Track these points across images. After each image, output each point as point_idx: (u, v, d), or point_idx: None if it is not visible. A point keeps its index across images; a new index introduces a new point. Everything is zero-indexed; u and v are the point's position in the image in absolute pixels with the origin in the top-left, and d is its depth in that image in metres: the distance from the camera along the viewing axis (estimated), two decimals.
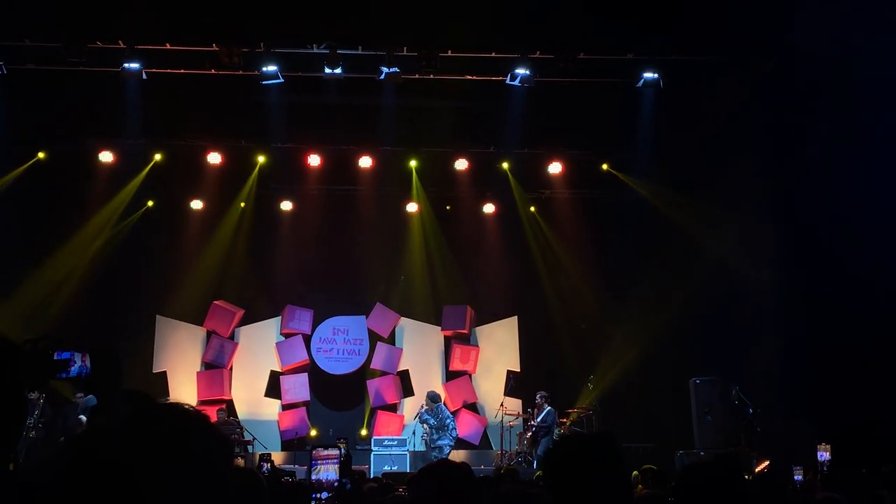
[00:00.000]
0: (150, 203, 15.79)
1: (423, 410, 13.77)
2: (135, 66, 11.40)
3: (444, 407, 14.10)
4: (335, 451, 4.64)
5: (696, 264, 13.91)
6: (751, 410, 12.10)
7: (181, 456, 1.39)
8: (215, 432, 1.47)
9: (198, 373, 15.67)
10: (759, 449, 11.81)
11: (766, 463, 11.36)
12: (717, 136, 13.67)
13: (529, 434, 13.70)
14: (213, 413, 13.89)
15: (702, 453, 12.32)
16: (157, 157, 14.91)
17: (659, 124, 13.47)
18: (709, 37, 11.62)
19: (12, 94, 12.18)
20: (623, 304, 15.27)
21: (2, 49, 11.20)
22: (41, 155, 14.43)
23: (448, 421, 13.81)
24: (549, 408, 13.67)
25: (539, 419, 13.60)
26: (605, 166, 15.45)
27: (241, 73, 11.68)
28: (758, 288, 12.61)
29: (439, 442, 13.56)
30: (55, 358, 2.37)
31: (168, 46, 11.48)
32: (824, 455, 7.87)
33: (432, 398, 13.84)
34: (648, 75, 12.10)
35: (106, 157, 14.54)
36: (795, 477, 7.66)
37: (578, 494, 2.32)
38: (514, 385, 15.61)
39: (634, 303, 15.10)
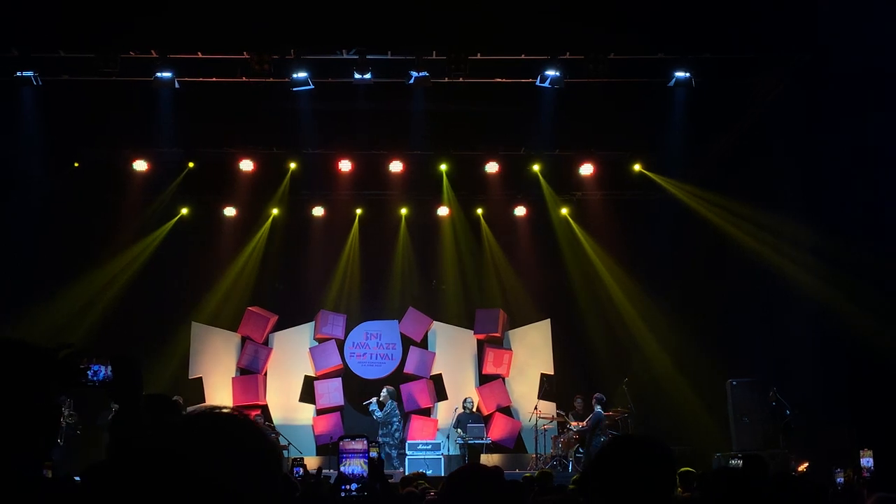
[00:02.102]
0: (185, 211, 15.96)
1: (374, 401, 14.06)
2: (167, 75, 11.51)
3: (395, 406, 14.30)
4: (362, 443, 4.60)
5: (732, 264, 13.73)
6: (788, 412, 11.93)
7: (244, 461, 1.42)
8: (268, 437, 1.50)
9: (233, 378, 15.79)
10: (798, 451, 11.63)
11: (806, 464, 11.17)
12: (751, 133, 13.50)
13: (577, 436, 13.62)
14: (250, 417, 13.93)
15: (739, 455, 12.16)
16: (191, 165, 15.05)
17: (691, 123, 13.32)
18: (741, 34, 11.47)
19: (48, 105, 12.36)
20: (658, 305, 15.13)
21: (37, 61, 11.35)
22: (77, 165, 14.64)
23: (395, 420, 13.91)
24: (599, 409, 13.68)
25: (586, 420, 13.67)
26: (637, 167, 15.30)
27: (271, 80, 11.75)
28: (796, 288, 12.40)
29: (380, 439, 13.71)
30: (80, 366, 2.39)
31: (200, 55, 11.57)
32: (869, 461, 7.70)
33: (390, 393, 14.16)
34: (679, 74, 11.96)
35: (140, 165, 14.70)
36: (837, 479, 7.50)
37: (628, 497, 2.31)
38: (548, 388, 15.54)
39: (669, 304, 14.96)
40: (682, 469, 7.52)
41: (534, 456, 14.37)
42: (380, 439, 13.55)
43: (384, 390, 14.39)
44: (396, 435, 13.95)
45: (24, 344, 1.98)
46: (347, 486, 4.57)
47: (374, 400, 14.13)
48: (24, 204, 13.58)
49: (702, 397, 14.16)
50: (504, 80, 12.29)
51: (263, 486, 1.45)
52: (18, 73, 11.35)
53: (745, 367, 13.49)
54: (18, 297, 13.38)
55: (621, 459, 2.39)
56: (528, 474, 9.67)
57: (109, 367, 2.41)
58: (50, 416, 1.97)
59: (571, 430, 13.70)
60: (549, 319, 16.39)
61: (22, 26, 11.00)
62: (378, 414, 13.77)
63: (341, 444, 4.76)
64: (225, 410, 1.54)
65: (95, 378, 2.41)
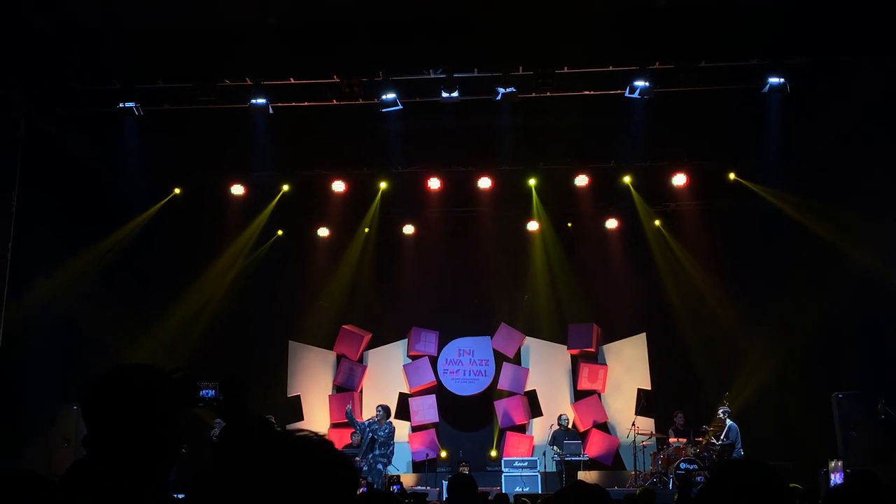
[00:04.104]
0: (280, 232, 16.35)
1: (374, 420, 13.22)
2: (261, 101, 11.82)
3: (392, 425, 13.67)
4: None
5: (835, 273, 13.21)
6: None
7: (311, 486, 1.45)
8: (341, 461, 1.53)
9: (329, 396, 16.03)
10: None
11: None
12: (851, 138, 12.99)
13: (713, 451, 13.26)
14: (346, 436, 14.17)
15: (847, 471, 11.66)
16: (285, 187, 15.44)
17: (787, 130, 12.92)
18: (836, 36, 11.06)
19: (149, 133, 12.87)
20: (758, 316, 14.67)
21: (138, 92, 11.83)
22: (177, 190, 15.20)
23: (392, 441, 13.42)
24: (731, 423, 13.32)
25: (723, 435, 13.26)
26: (732, 175, 14.92)
27: (361, 102, 11.94)
28: None
29: (381, 460, 12.98)
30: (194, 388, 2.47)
31: (292, 81, 11.86)
32: None
33: (385, 411, 13.49)
34: (774, 80, 11.59)
35: (237, 189, 15.15)
36: None
37: None
38: (646, 404, 15.22)
39: (770, 315, 14.49)
40: (790, 486, 7.25)
41: (633, 473, 14.11)
42: (379, 462, 12.93)
43: (379, 409, 13.54)
44: (390, 452, 13.47)
45: (147, 367, 2.08)
46: None
47: (373, 421, 13.30)
48: (130, 230, 14.18)
49: (806, 410, 13.64)
50: (592, 92, 12.17)
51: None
52: (121, 105, 11.81)
53: (850, 379, 12.94)
54: (127, 321, 13.94)
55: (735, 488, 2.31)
56: (631, 492, 9.48)
57: (218, 388, 2.49)
58: (172, 436, 2.06)
59: (716, 445, 13.33)
60: (644, 333, 16.09)
61: (123, 59, 11.51)
62: (380, 433, 13.28)
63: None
64: (304, 433, 1.63)
65: (205, 397, 2.50)
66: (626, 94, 11.79)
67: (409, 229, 16.35)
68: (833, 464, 12.40)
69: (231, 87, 11.84)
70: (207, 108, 11.86)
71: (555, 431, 14.65)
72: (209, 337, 14.75)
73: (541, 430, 15.47)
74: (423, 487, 13.85)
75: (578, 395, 16.03)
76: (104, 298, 13.61)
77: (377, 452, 13.01)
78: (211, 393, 2.34)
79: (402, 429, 15.91)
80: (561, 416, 14.96)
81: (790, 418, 13.83)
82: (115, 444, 1.99)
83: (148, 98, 12.02)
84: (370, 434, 13.13)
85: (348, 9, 11.28)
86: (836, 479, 12.03)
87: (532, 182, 15.42)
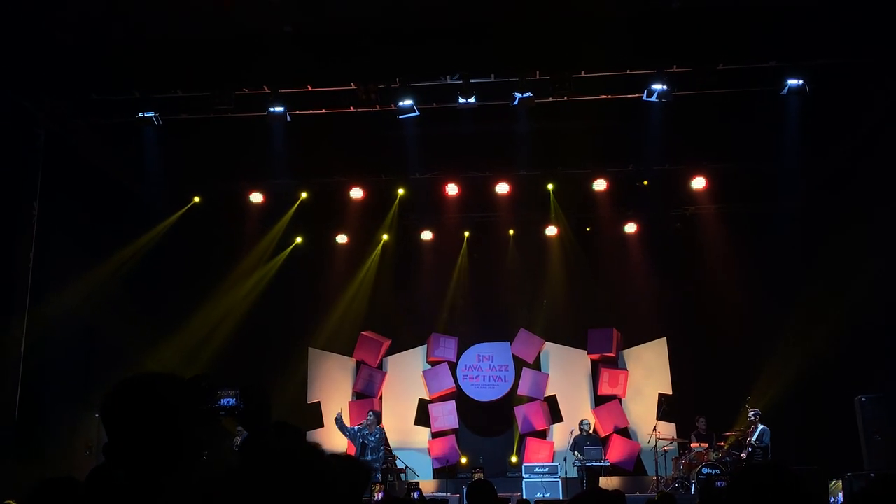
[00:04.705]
0: (299, 239, 16.40)
1: (364, 426, 13.30)
2: (279, 109, 11.87)
3: (382, 430, 13.73)
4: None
5: (857, 276, 13.07)
6: None
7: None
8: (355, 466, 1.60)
9: (349, 402, 16.05)
10: None
11: None
12: (872, 140, 12.86)
13: (745, 454, 13.18)
14: None
15: (871, 475, 11.52)
16: (304, 195, 15.50)
17: (807, 131, 12.81)
18: (855, 38, 10.96)
19: (168, 142, 12.97)
20: (779, 319, 14.55)
21: (156, 101, 11.93)
22: (196, 199, 15.29)
23: (382, 446, 13.42)
24: (762, 426, 13.23)
25: (754, 438, 13.18)
26: (751, 178, 14.82)
27: (378, 108, 11.97)
28: None
29: (374, 466, 12.98)
30: (216, 397, 2.49)
31: (309, 88, 11.90)
32: None
33: (376, 416, 13.54)
34: (793, 82, 11.50)
35: (256, 197, 15.22)
36: None
37: None
38: (667, 408, 15.12)
39: (791, 318, 14.36)
40: None
41: (654, 478, 14.02)
42: (368, 461, 12.89)
43: (370, 415, 13.64)
44: (381, 457, 13.49)
45: (167, 376, 2.11)
46: None
47: (363, 426, 13.41)
48: (150, 238, 14.28)
49: (829, 415, 13.51)
50: (609, 96, 12.13)
51: None
52: (140, 114, 11.90)
53: (874, 383, 12.80)
54: (148, 329, 14.03)
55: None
56: (652, 497, 9.42)
57: (238, 396, 2.51)
58: (191, 444, 2.08)
59: (749, 446, 13.24)
60: (664, 338, 15.99)
61: (142, 70, 11.62)
62: (370, 439, 13.27)
63: None
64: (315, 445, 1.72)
65: (226, 406, 2.50)
66: (644, 97, 11.73)
67: (427, 235, 16.36)
68: (833, 483, 12.33)
69: (249, 96, 11.89)
70: (225, 116, 11.93)
71: (576, 437, 14.58)
72: (229, 344, 14.81)
73: (561, 435, 15.41)
74: (444, 494, 13.85)
75: (599, 401, 15.96)
76: (125, 306, 13.71)
77: (369, 458, 13.09)
78: (232, 401, 2.36)
79: (422, 435, 15.92)
80: (583, 420, 14.89)
81: (812, 422, 13.71)
82: (135, 451, 2.01)
83: (166, 107, 12.09)
84: (361, 440, 13.20)
85: (364, 16, 11.33)
86: (838, 500, 11.99)
87: (550, 187, 15.40)
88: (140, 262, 14.15)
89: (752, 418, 13.39)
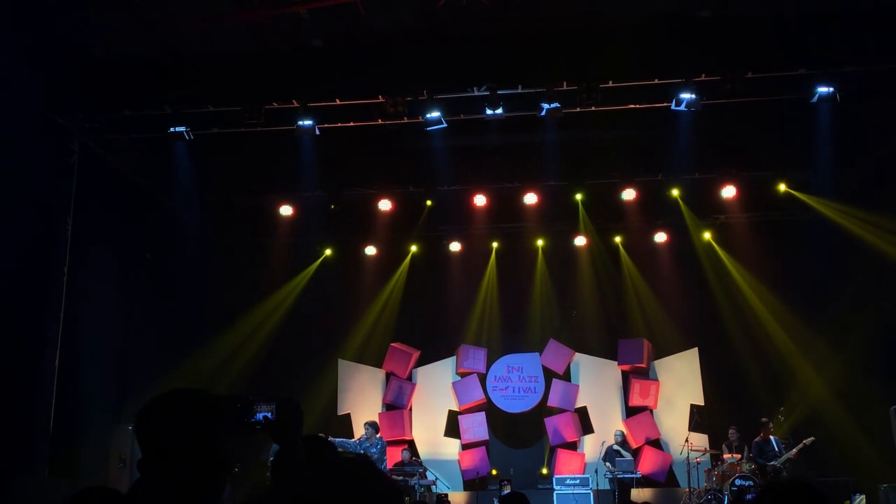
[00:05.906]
0: (328, 251, 16.50)
1: (364, 439, 13.13)
2: (308, 122, 11.96)
3: (382, 440, 13.53)
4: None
5: (889, 284, 12.87)
6: None
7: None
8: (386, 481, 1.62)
9: (379, 414, 16.06)
10: None
11: None
12: None
13: (780, 464, 13.05)
14: (397, 453, 14.16)
15: None
16: (333, 207, 15.59)
17: (838, 139, 12.67)
18: (885, 44, 10.82)
19: (199, 157, 13.12)
20: (812, 329, 14.36)
21: (188, 116, 12.08)
22: (228, 212, 15.43)
23: (384, 456, 13.29)
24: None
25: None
26: (782, 187, 14.69)
27: (406, 121, 12.01)
28: None
29: None
30: (251, 411, 2.52)
31: (337, 102, 11.99)
32: None
33: (374, 427, 13.36)
34: (823, 90, 11.39)
35: (286, 210, 15.35)
36: None
37: None
38: (699, 420, 14.97)
39: (825, 328, 14.17)
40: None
41: (687, 490, 13.86)
42: None
43: (367, 427, 13.42)
44: (384, 467, 13.32)
45: (199, 392, 2.14)
46: None
47: (362, 439, 13.23)
48: (182, 252, 14.43)
49: (864, 425, 13.29)
50: (637, 105, 12.07)
51: None
52: (172, 129, 12.07)
53: None
54: (182, 341, 14.17)
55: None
56: None
57: (272, 409, 2.53)
58: (224, 458, 2.11)
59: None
60: (696, 348, 15.84)
61: (173, 85, 11.79)
62: (372, 450, 13.19)
63: None
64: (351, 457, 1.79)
65: (262, 420, 2.53)
66: (672, 106, 11.67)
67: (455, 246, 16.37)
68: (858, 499, 12.12)
69: (278, 110, 12.00)
70: (255, 130, 12.05)
71: (608, 448, 14.48)
72: (260, 356, 14.91)
73: (592, 447, 15.31)
74: None
75: (630, 412, 15.83)
76: (158, 321, 13.84)
77: None
78: (268, 415, 2.38)
79: (451, 447, 15.89)
80: (617, 431, 14.79)
81: (846, 433, 13.47)
82: (168, 466, 2.04)
83: (197, 122, 12.23)
84: (363, 452, 13.18)
85: (391, 29, 11.40)
86: None
87: (579, 197, 15.36)
88: (173, 276, 14.31)
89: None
